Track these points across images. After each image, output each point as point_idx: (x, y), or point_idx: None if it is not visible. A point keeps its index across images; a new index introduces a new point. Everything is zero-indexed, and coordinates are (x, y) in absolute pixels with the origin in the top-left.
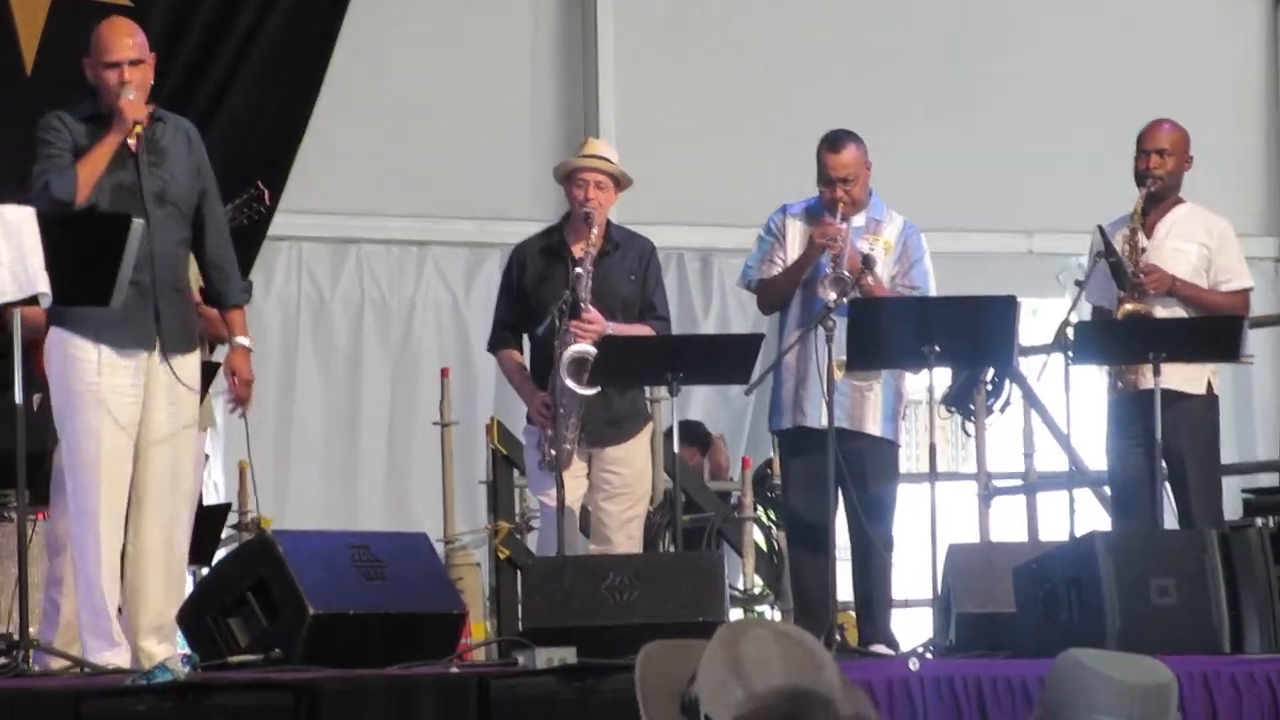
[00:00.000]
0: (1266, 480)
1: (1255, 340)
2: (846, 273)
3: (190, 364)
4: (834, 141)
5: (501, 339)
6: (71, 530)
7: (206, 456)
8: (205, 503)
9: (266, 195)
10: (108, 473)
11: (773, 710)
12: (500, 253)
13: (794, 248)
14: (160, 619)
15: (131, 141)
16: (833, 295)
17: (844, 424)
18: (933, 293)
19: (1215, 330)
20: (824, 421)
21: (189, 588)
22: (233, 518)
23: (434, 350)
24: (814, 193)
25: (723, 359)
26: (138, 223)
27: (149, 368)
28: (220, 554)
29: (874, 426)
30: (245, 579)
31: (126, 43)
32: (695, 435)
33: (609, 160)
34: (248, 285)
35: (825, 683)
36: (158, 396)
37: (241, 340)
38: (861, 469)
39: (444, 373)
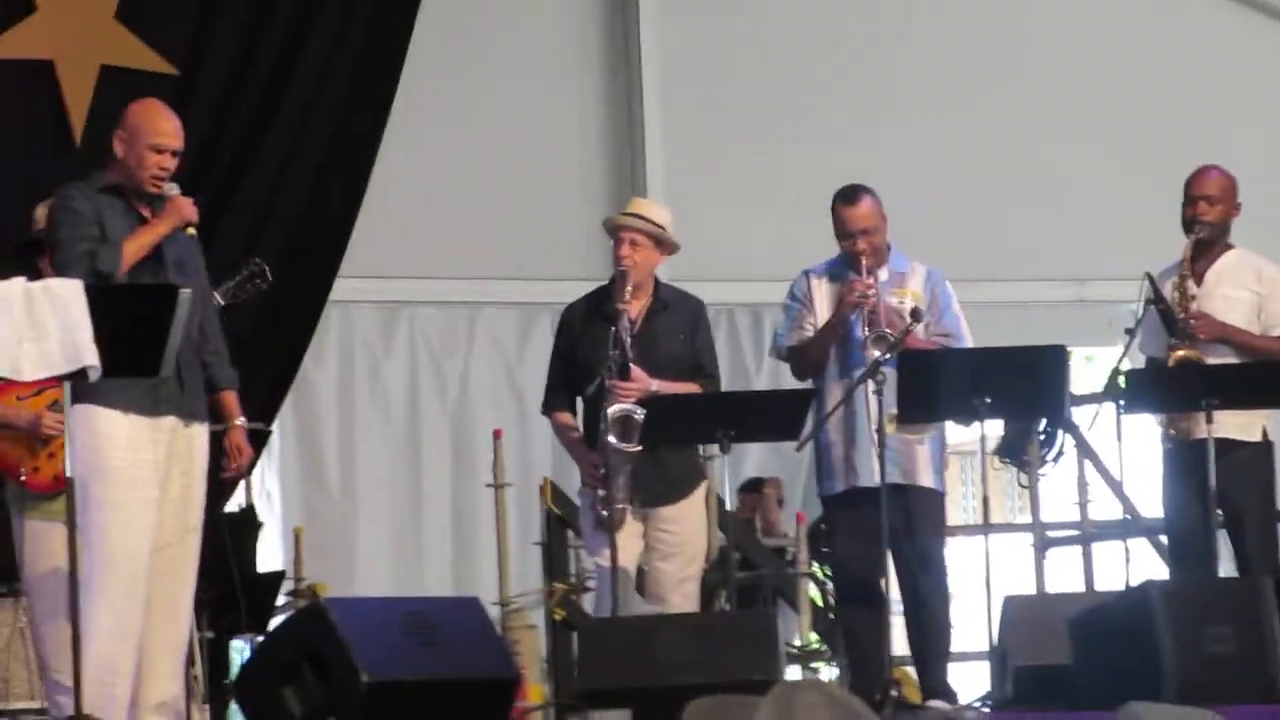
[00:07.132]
0: None
1: None
2: (886, 330)
3: (205, 434)
4: (848, 196)
5: (554, 401)
6: (88, 602)
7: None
8: (260, 570)
9: (267, 270)
10: (134, 547)
11: None
12: (551, 313)
13: (823, 310)
14: (164, 695)
15: (191, 231)
16: (876, 353)
17: (897, 479)
18: (967, 337)
19: (1266, 375)
20: (877, 479)
21: (246, 655)
22: (289, 584)
23: (490, 412)
24: None
25: (773, 415)
26: (185, 292)
27: (172, 439)
28: (275, 622)
29: (926, 478)
30: (298, 647)
31: (171, 128)
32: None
33: (645, 219)
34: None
35: None
36: (177, 467)
37: (241, 420)
38: (912, 521)
39: (496, 434)
